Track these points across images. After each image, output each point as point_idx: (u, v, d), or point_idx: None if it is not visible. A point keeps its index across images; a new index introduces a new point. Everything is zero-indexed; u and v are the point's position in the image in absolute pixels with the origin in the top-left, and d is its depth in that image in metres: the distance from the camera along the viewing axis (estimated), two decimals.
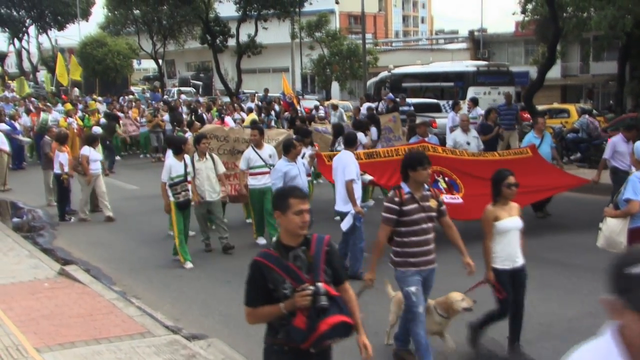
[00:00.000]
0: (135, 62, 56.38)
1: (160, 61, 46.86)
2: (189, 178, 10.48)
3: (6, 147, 18.63)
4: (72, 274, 9.57)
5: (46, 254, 11.16)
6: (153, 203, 15.48)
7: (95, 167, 14.17)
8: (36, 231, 13.57)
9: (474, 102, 20.68)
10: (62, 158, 14.18)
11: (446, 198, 10.47)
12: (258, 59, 42.09)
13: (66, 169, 14.18)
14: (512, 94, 18.69)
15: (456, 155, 11.62)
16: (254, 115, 21.41)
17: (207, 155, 10.81)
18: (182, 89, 44.18)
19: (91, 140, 14.50)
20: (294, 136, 11.58)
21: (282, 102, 26.06)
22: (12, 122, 21.75)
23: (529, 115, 19.47)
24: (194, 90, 43.38)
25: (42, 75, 51.30)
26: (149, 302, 8.54)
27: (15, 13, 55.30)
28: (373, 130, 15.32)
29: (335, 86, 44.02)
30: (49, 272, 9.91)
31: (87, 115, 24.50)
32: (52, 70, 52.35)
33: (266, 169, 10.94)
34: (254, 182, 11.03)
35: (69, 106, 26.18)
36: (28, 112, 24.24)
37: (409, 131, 15.02)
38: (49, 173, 15.48)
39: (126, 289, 9.23)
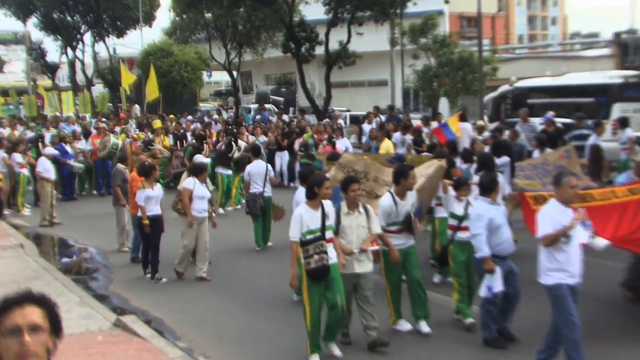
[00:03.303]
0: (205, 75, 57.59)
1: (234, 73, 47.84)
2: (328, 235, 8.80)
3: (51, 174, 19.18)
4: (130, 326, 9.76)
5: (100, 301, 11.45)
6: (222, 241, 15.62)
7: (201, 207, 12.89)
8: (89, 274, 13.97)
9: (622, 122, 19.95)
10: (141, 196, 12.99)
11: None
12: (351, 71, 42.29)
13: (155, 211, 13.12)
14: None
15: None
16: (389, 144, 19.43)
17: (361, 207, 9.22)
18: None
19: (197, 171, 13.13)
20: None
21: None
22: (63, 144, 22.46)
23: None
24: (275, 108, 43.97)
25: (96, 91, 53.15)
26: None
27: (69, 18, 57.14)
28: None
29: (443, 102, 43.68)
30: (103, 323, 10.13)
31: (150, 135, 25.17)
32: (109, 84, 54.23)
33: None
34: (393, 241, 9.54)
35: (157, 124, 26.85)
36: (87, 134, 24.98)
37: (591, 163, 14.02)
38: (121, 211, 15.22)
39: (193, 345, 9.32)
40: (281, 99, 51.98)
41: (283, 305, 10.96)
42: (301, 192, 10.66)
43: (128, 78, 37.83)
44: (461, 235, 10.01)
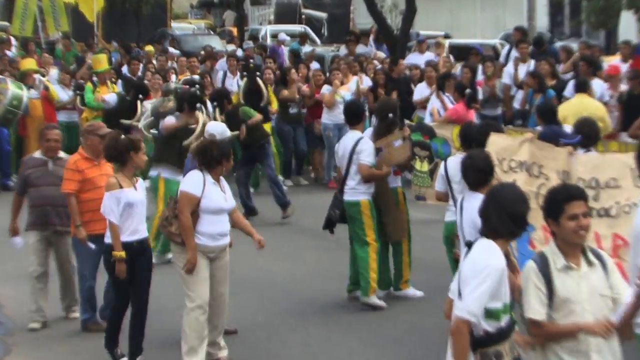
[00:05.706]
0: None
1: None
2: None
3: None
4: None
5: None
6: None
7: (217, 228, 12.42)
8: None
9: None
10: (112, 204, 12.23)
11: None
12: None
13: (142, 232, 12.71)
14: None
15: None
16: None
17: (591, 254, 8.11)
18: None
19: (211, 156, 12.43)
20: None
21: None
22: None
23: None
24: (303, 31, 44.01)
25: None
26: None
27: None
28: None
29: (627, 20, 43.82)
30: None
31: (88, 85, 25.54)
32: None
33: None
34: None
35: (28, 63, 27.44)
36: None
37: None
38: (59, 238, 14.56)
39: None
40: (323, 14, 51.94)
41: None
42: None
43: None
44: None
